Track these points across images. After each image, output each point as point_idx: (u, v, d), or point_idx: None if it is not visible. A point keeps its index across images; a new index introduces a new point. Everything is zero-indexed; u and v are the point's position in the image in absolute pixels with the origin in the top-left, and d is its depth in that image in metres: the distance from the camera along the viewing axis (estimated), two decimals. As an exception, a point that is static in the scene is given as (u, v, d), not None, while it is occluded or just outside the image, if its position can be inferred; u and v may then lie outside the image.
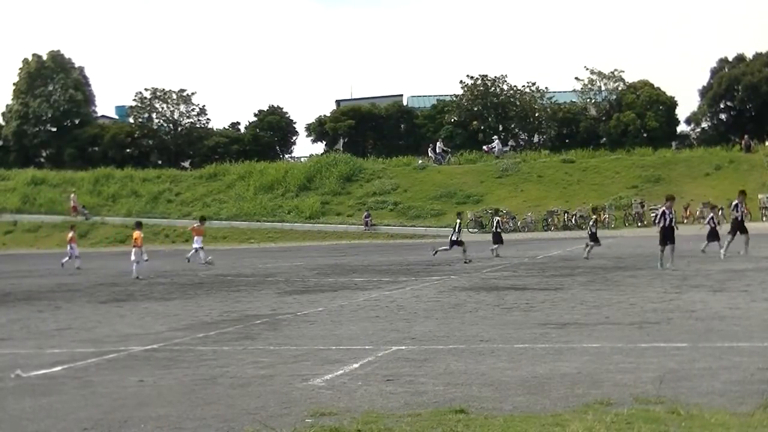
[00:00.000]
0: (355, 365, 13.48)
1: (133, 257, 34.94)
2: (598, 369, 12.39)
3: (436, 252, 39.08)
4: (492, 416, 9.86)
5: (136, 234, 35.70)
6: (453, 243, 37.80)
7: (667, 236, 29.30)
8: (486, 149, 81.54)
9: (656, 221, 30.64)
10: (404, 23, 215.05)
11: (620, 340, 14.96)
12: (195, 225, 44.39)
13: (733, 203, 33.72)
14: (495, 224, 42.23)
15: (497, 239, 40.69)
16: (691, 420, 9.36)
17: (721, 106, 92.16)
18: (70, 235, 44.05)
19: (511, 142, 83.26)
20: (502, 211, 64.24)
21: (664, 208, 30.36)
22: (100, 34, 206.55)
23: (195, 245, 42.60)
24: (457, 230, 38.33)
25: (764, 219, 58.35)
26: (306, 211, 70.89)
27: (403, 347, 15.05)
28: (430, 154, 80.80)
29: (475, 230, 62.69)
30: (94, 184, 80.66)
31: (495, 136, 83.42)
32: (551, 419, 9.59)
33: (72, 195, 76.04)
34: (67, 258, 42.91)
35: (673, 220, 30.12)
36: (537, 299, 21.83)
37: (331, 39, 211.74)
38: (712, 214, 36.92)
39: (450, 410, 10.13)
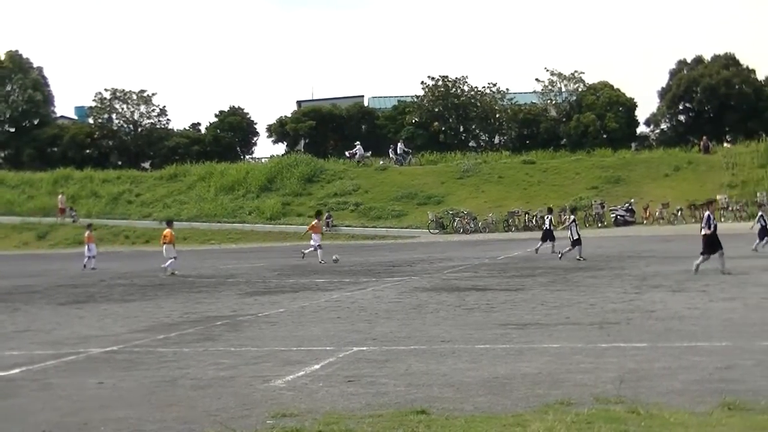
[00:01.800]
0: (317, 366, 13.49)
1: (165, 254, 36.76)
2: (558, 369, 12.46)
3: (561, 255, 36.82)
4: (453, 417, 9.90)
5: (167, 231, 37.48)
6: (575, 242, 36.78)
7: (716, 243, 27.16)
8: (348, 154, 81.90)
9: (703, 226, 27.65)
10: (364, 24, 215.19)
11: (581, 340, 15.05)
12: (314, 222, 43.01)
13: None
14: (548, 222, 41.60)
15: (548, 236, 40.39)
16: (650, 419, 9.43)
17: (680, 107, 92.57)
18: (87, 234, 43.69)
19: (407, 150, 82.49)
20: (463, 211, 64.44)
21: (708, 213, 28.10)
22: (59, 34, 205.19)
23: (313, 242, 41.33)
24: (575, 227, 37.12)
25: (722, 219, 58.68)
26: (267, 212, 70.61)
27: (365, 348, 15.07)
28: (391, 155, 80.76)
29: (436, 231, 62.75)
30: (53, 185, 79.94)
31: (357, 142, 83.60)
32: (512, 419, 9.64)
33: (60, 196, 75.08)
34: (87, 258, 42.03)
35: (716, 226, 27.92)
36: (498, 300, 21.90)
37: (292, 40, 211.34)
38: (761, 213, 36.79)
39: (411, 411, 10.16)
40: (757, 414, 9.55)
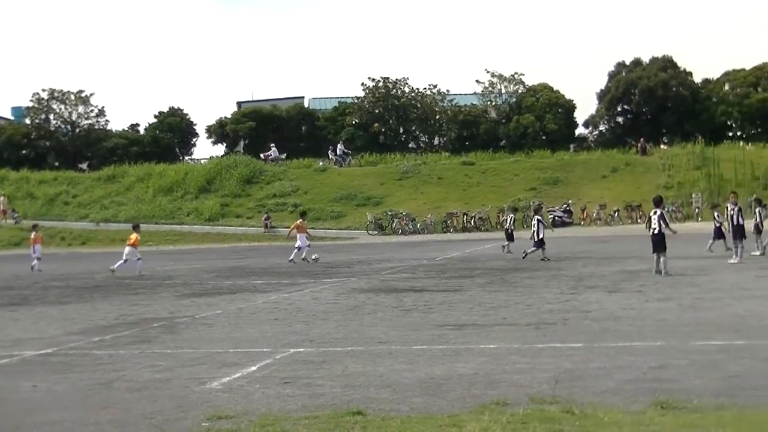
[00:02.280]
0: (253, 368, 13.43)
1: (126, 256, 36.61)
2: (494, 370, 12.50)
3: (525, 255, 35.57)
4: (389, 417, 9.90)
5: (134, 236, 37.48)
6: (539, 242, 35.78)
7: (661, 243, 26.79)
8: (263, 156, 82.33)
9: (651, 226, 27.09)
10: (305, 25, 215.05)
11: (517, 340, 15.11)
12: (298, 222, 41.64)
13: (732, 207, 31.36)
14: (510, 222, 41.40)
15: (509, 237, 40.15)
16: (585, 419, 9.49)
17: (618, 109, 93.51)
18: (33, 235, 42.80)
19: (346, 151, 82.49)
20: (402, 213, 64.51)
21: (660, 210, 27.41)
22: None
23: (300, 243, 40.07)
24: (542, 228, 36.15)
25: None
26: (205, 213, 70.32)
27: (302, 349, 15.04)
28: (330, 156, 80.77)
29: (375, 232, 62.80)
30: (-12, 185, 79.18)
31: (272, 144, 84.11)
32: (448, 420, 9.66)
33: (1, 198, 74.30)
34: (35, 261, 40.74)
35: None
36: (435, 301, 21.94)
37: (232, 40, 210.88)
38: (717, 213, 36.32)
39: (348, 412, 10.15)
40: (689, 413, 9.65)
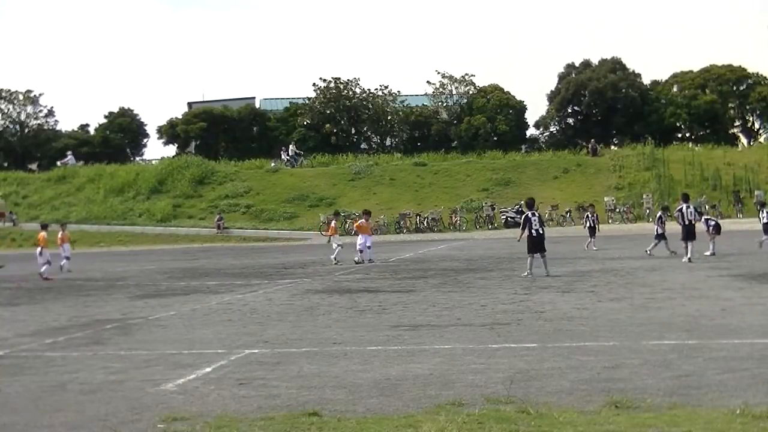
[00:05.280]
0: (208, 369, 13.38)
1: (335, 243, 38.60)
2: (449, 370, 12.52)
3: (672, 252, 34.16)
4: (345, 418, 9.90)
5: (333, 224, 40.51)
6: (660, 236, 35.06)
7: (537, 244, 28.05)
8: (60, 164, 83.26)
9: (533, 227, 28.36)
10: (255, 25, 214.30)
11: (471, 341, 15.15)
12: (360, 222, 40.72)
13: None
14: (587, 218, 41.22)
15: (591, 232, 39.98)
16: (540, 419, 9.53)
17: (569, 110, 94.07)
18: (60, 234, 41.50)
19: (298, 152, 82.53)
20: (355, 213, 64.41)
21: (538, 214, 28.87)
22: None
23: (359, 244, 38.55)
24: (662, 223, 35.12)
25: (610, 221, 59.83)
26: (157, 214, 69.97)
27: (256, 351, 15.01)
28: (282, 157, 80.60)
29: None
30: (-65, 187, 78.37)
31: (69, 152, 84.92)
32: (404, 420, 9.67)
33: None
34: (64, 261, 39.27)
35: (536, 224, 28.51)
36: (389, 301, 21.94)
37: (183, 40, 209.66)
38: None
39: (303, 413, 10.14)
40: (643, 412, 9.72)
